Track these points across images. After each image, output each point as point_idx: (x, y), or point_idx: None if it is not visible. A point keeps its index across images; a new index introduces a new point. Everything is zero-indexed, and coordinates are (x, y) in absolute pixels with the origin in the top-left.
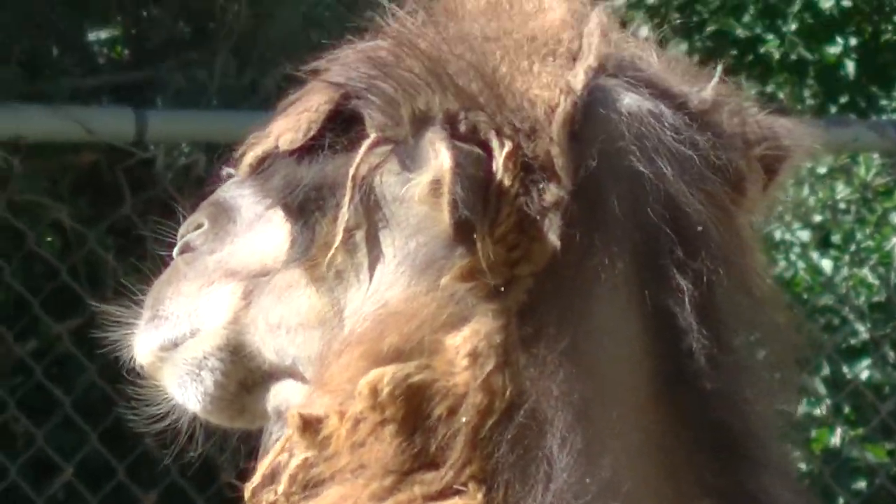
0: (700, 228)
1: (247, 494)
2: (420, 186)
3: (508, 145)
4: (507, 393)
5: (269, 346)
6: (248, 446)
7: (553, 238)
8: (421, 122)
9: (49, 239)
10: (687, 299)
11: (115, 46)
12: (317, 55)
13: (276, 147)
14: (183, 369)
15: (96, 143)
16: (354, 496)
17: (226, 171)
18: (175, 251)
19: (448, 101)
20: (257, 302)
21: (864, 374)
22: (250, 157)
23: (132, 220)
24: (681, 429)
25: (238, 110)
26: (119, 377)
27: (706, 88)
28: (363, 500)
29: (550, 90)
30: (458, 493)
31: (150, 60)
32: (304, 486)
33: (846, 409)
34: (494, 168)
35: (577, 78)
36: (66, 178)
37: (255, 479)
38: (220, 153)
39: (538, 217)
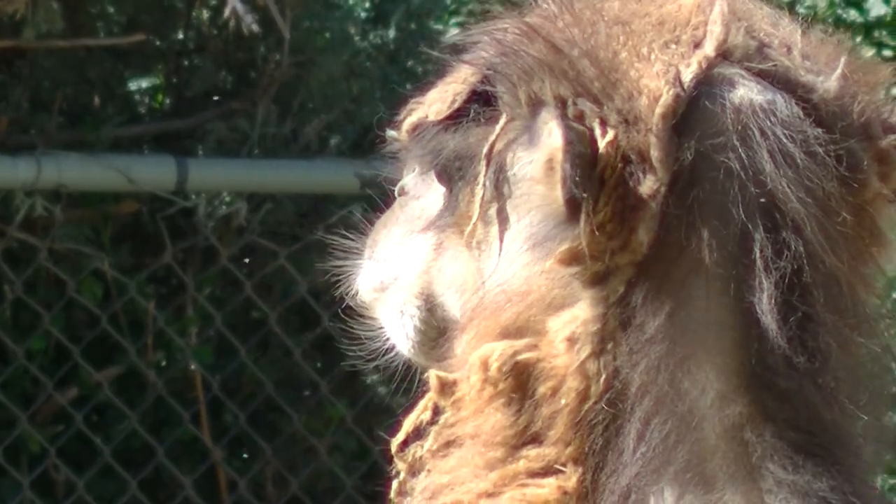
0: (791, 226)
1: (393, 449)
2: (536, 164)
3: (611, 134)
4: (602, 380)
5: (448, 301)
6: None
7: (649, 229)
8: (537, 105)
9: (90, 287)
10: (766, 297)
11: (156, 95)
12: (357, 104)
13: (427, 116)
14: (390, 312)
15: (138, 192)
16: (472, 462)
17: (389, 132)
18: (395, 191)
19: (561, 87)
20: (443, 256)
21: None
22: (407, 123)
23: (173, 268)
24: (762, 423)
25: (279, 159)
26: (159, 426)
27: (832, 76)
28: (478, 467)
29: (658, 80)
30: (557, 472)
31: (191, 109)
32: (447, 444)
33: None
34: (597, 156)
35: (689, 68)
36: (108, 227)
37: (401, 434)
38: (260, 202)
39: (635, 207)
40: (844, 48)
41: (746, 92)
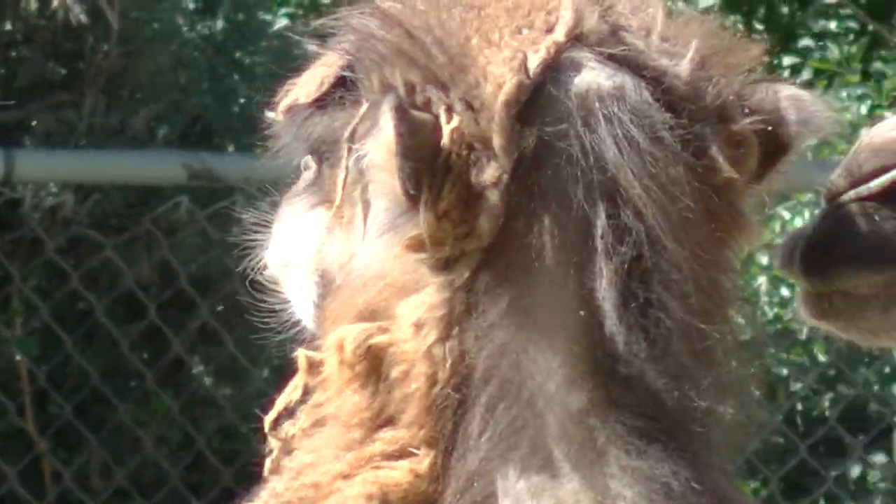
0: (633, 212)
1: (266, 426)
2: (378, 152)
3: (455, 121)
4: (448, 365)
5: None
6: None
7: (492, 216)
8: (387, 91)
9: None
10: (605, 283)
11: None
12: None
13: (298, 98)
14: (292, 286)
15: None
16: (333, 443)
17: (268, 114)
18: (301, 167)
19: (412, 73)
20: (331, 234)
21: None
22: (281, 105)
23: None
24: (606, 409)
25: (106, 150)
26: None
27: (683, 61)
28: (338, 448)
29: (504, 67)
30: (411, 455)
31: (19, 100)
32: (315, 424)
33: None
34: (441, 143)
35: (537, 54)
36: None
37: (273, 413)
38: (88, 193)
39: (479, 195)
40: (707, 31)
41: (594, 77)
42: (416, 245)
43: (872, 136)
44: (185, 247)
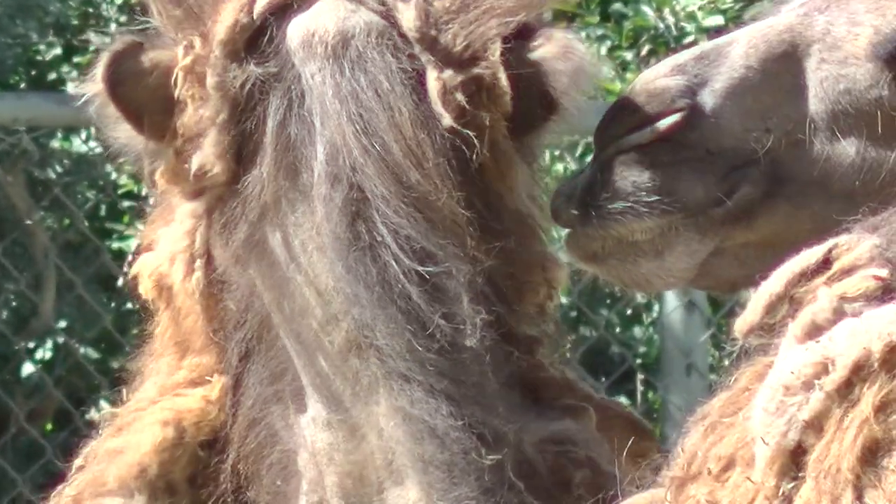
0: (347, 156)
1: None
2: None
3: (187, 61)
4: (198, 291)
5: None
6: None
7: (216, 155)
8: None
9: None
10: (324, 223)
11: None
12: None
13: None
14: None
15: None
16: (158, 370)
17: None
18: None
19: (173, 15)
20: None
21: None
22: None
23: None
24: (367, 350)
25: None
26: None
27: (412, 3)
28: (158, 375)
29: (235, 6)
30: (207, 383)
31: None
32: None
33: None
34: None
35: None
36: None
37: None
38: None
39: (204, 132)
40: None
41: (320, 19)
42: (166, 178)
43: (646, 81)
44: None
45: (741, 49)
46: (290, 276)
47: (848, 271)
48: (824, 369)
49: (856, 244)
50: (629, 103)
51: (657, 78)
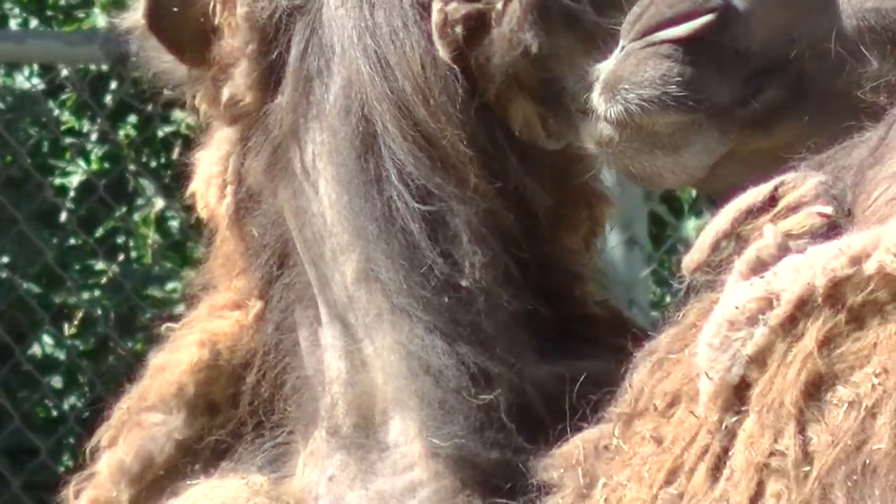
0: (360, 86)
1: None
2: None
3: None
4: (227, 216)
5: None
6: None
7: (244, 83)
8: None
9: None
10: (326, 153)
11: None
12: None
13: None
14: None
15: None
16: (218, 286)
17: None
18: None
19: None
20: None
21: None
22: None
23: None
24: (373, 283)
25: None
26: None
27: None
28: (211, 294)
29: None
30: (243, 307)
31: None
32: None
33: None
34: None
35: None
36: None
37: None
38: None
39: (235, 62)
40: None
41: None
42: (207, 103)
43: None
44: None
45: None
46: (307, 204)
47: (794, 208)
48: (769, 304)
49: (802, 181)
50: None
51: None
